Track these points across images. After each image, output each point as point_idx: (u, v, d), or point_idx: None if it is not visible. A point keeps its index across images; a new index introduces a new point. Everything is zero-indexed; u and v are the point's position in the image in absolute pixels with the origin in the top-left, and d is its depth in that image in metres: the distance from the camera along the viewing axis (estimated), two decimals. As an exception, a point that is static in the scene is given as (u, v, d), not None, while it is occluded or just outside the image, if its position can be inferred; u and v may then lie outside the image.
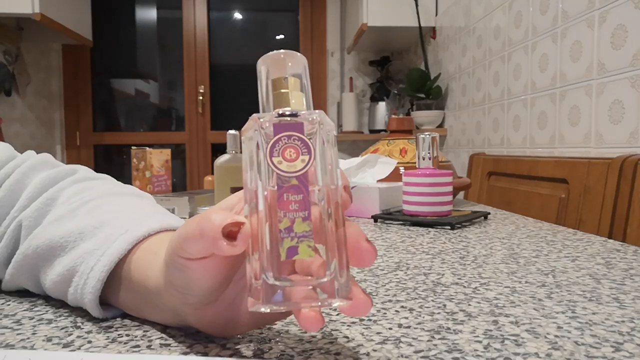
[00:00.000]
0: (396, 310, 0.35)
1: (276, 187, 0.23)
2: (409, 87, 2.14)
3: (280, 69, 0.25)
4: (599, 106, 1.04)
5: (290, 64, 0.25)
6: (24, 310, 0.36)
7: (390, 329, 0.32)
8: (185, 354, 0.28)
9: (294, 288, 0.22)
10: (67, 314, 0.34)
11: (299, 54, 0.26)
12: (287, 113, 0.24)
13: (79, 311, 0.35)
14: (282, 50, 0.25)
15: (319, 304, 0.22)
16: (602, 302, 0.37)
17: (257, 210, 0.23)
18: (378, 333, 0.31)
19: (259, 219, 0.23)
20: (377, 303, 0.37)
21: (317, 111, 0.24)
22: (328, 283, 0.22)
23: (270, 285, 0.22)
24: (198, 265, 0.24)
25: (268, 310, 0.22)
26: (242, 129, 0.24)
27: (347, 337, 0.30)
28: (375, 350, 0.28)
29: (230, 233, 0.23)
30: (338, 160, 0.24)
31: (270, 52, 0.25)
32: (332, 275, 0.22)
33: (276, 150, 0.23)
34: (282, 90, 0.25)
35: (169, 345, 0.29)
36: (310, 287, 0.23)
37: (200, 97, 2.89)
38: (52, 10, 2.12)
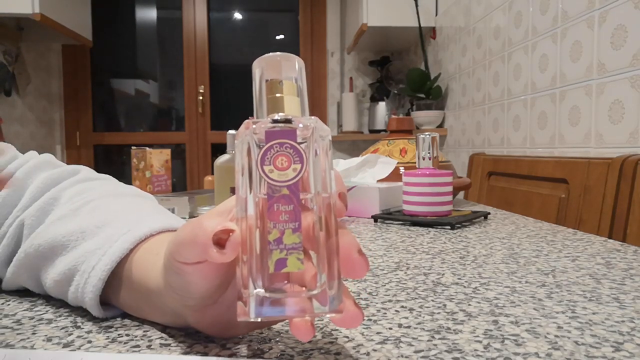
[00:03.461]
0: (396, 310, 0.35)
1: (267, 196, 0.22)
2: (409, 87, 2.14)
3: (276, 72, 0.24)
4: (599, 106, 1.04)
5: (286, 67, 0.25)
6: (24, 310, 0.36)
7: (390, 329, 0.32)
8: (185, 354, 0.28)
9: (284, 299, 0.22)
10: (67, 314, 0.34)
11: (296, 56, 0.25)
12: (281, 119, 0.23)
13: (79, 311, 0.35)
14: (278, 53, 0.25)
15: (308, 315, 0.22)
16: (602, 302, 0.37)
17: (247, 218, 0.23)
18: (378, 333, 0.31)
19: (248, 227, 0.22)
20: (377, 303, 0.37)
21: (312, 117, 0.24)
22: (319, 294, 0.22)
23: (259, 296, 0.22)
24: (194, 269, 0.24)
25: (259, 320, 0.22)
26: (236, 133, 0.24)
27: (347, 337, 0.30)
28: (375, 350, 0.28)
29: (220, 240, 0.22)
30: (332, 167, 0.24)
31: (266, 54, 0.25)
32: (323, 286, 0.22)
33: (267, 158, 0.22)
34: (277, 95, 0.24)
35: (169, 345, 0.29)
36: (303, 296, 0.22)
37: (200, 97, 2.89)
38: (52, 10, 2.12)
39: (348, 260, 0.23)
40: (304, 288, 0.23)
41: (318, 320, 0.33)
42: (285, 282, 0.23)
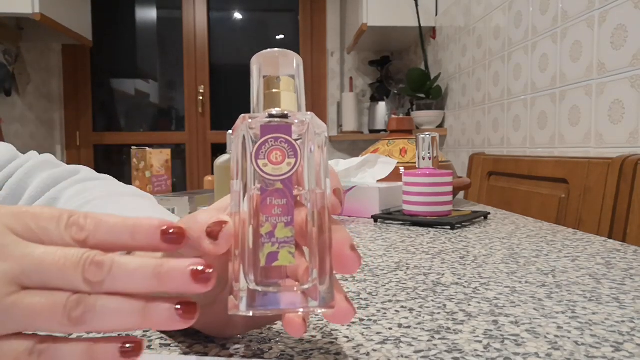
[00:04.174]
0: (396, 310, 0.35)
1: (260, 190, 0.22)
2: (409, 87, 2.14)
3: (274, 68, 0.25)
4: (599, 106, 1.04)
5: (283, 63, 0.25)
6: (24, 310, 0.35)
7: (390, 329, 0.32)
8: (185, 354, 0.28)
9: (275, 293, 0.22)
10: (67, 314, 0.34)
11: (293, 53, 0.25)
12: (277, 114, 0.23)
13: (79, 311, 0.35)
14: (276, 49, 0.25)
15: (300, 310, 0.22)
16: (602, 302, 0.37)
17: (240, 211, 0.23)
18: (378, 333, 0.31)
19: (240, 220, 0.23)
20: (377, 303, 0.37)
21: (308, 113, 0.24)
22: (311, 289, 0.22)
23: (250, 290, 0.22)
24: None
25: (250, 314, 0.22)
26: (232, 128, 0.24)
27: (347, 337, 0.30)
28: (375, 350, 0.28)
29: (213, 233, 0.22)
30: (328, 163, 0.24)
31: (264, 50, 0.25)
32: (314, 282, 0.22)
33: (262, 152, 0.23)
34: (274, 90, 0.24)
35: (169, 345, 0.29)
36: (295, 290, 0.22)
37: (200, 97, 2.89)
38: (52, 10, 2.12)
39: (340, 255, 0.23)
40: (296, 283, 0.23)
41: (318, 320, 0.33)
42: (278, 277, 0.23)
